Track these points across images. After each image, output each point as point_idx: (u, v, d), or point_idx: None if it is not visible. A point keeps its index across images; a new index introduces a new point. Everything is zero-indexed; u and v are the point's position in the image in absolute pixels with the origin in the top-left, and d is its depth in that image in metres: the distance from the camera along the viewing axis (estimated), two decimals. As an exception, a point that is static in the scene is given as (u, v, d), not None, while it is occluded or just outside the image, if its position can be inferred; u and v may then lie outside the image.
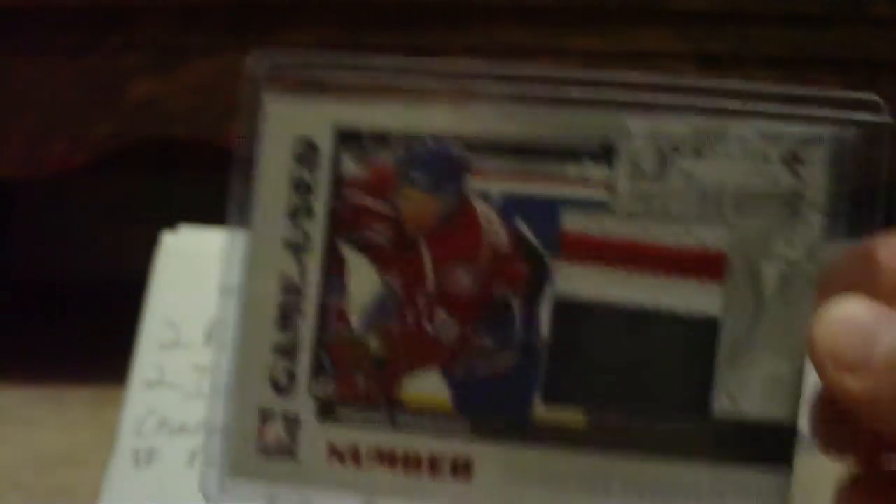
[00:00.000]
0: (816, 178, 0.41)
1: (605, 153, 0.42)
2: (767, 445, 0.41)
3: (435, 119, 0.43)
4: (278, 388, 0.44)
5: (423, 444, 0.43)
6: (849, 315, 0.37)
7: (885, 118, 0.40)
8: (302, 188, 0.43)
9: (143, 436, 0.54)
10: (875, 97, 0.41)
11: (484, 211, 0.43)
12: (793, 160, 0.41)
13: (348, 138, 0.43)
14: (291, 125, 0.43)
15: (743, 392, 0.42)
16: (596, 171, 0.42)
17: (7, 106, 0.71)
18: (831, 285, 0.40)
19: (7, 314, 0.89)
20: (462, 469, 0.43)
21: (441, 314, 0.43)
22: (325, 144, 0.43)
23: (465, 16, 0.65)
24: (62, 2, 0.70)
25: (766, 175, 0.41)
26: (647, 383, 0.42)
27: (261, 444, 0.44)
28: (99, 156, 0.70)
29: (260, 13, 0.69)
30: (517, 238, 0.42)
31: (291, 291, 0.43)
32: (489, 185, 0.42)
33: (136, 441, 0.54)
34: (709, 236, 0.41)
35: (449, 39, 0.64)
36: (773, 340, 0.41)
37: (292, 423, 0.44)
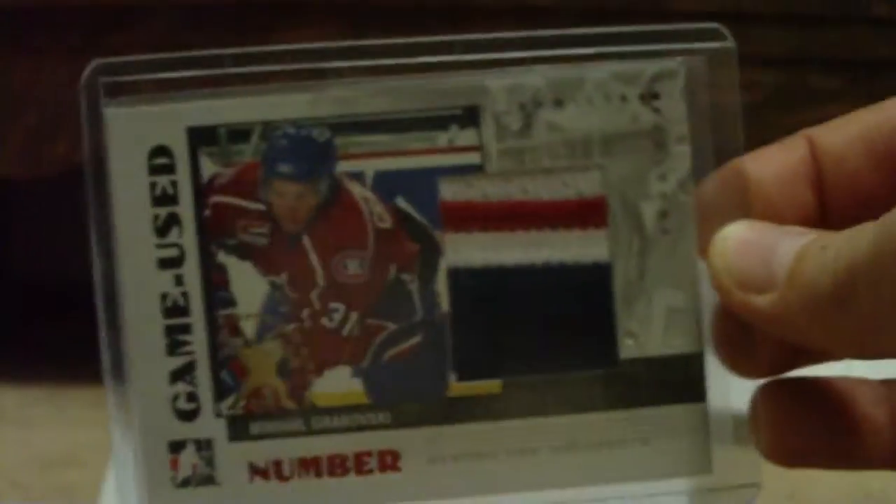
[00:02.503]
0: (675, 110, 0.42)
1: (471, 117, 0.41)
2: (678, 379, 0.42)
3: (293, 105, 0.41)
4: (184, 416, 0.41)
5: (345, 443, 0.41)
6: (741, 238, 0.38)
7: (729, 44, 0.41)
8: (164, 200, 0.41)
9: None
10: (717, 25, 0.42)
11: (361, 193, 0.41)
12: (650, 96, 0.42)
13: (204, 138, 0.41)
14: (140, 135, 0.40)
15: (645, 330, 0.42)
16: (464, 136, 0.41)
17: (7, 106, 0.71)
18: (709, 211, 0.41)
19: (7, 314, 0.87)
20: (389, 461, 0.41)
21: (337, 307, 0.41)
22: (181, 148, 0.40)
23: (466, 16, 0.66)
24: (62, 2, 0.68)
25: (628, 114, 0.42)
26: (552, 340, 0.42)
27: (176, 476, 0.40)
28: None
29: (260, 13, 0.69)
30: (399, 216, 0.41)
31: (175, 312, 0.41)
32: (361, 165, 0.41)
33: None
34: (584, 184, 0.42)
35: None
36: (663, 274, 0.42)
37: (205, 448, 0.41)
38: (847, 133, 0.37)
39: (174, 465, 0.40)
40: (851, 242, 0.32)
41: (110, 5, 0.72)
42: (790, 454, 0.40)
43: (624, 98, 0.42)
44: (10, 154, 0.74)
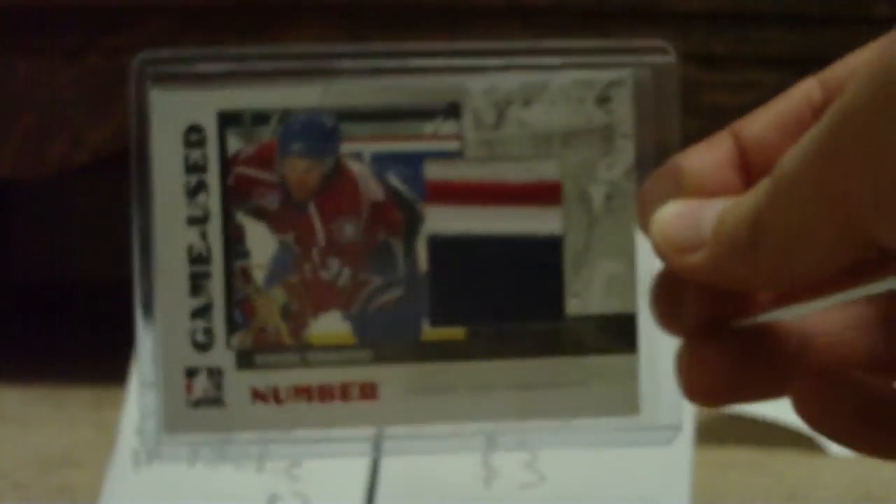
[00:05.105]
0: (623, 112, 0.50)
1: (453, 111, 0.50)
2: (614, 334, 0.51)
3: (306, 96, 0.50)
4: (200, 347, 0.50)
5: (333, 375, 0.50)
6: (675, 212, 0.46)
7: (671, 59, 0.50)
8: (196, 169, 0.50)
9: (143, 435, 0.57)
10: (663, 42, 0.50)
11: (359, 170, 0.50)
12: (603, 100, 0.50)
13: (231, 120, 0.49)
14: (178, 115, 0.49)
15: (588, 292, 0.51)
16: (446, 126, 0.50)
17: (7, 106, 0.72)
18: (648, 197, 0.49)
19: (7, 314, 0.88)
20: (369, 391, 0.50)
21: (333, 263, 0.50)
22: (211, 128, 0.49)
23: (466, 16, 0.68)
24: (62, 2, 0.70)
25: (584, 114, 0.50)
26: (511, 297, 0.50)
27: (190, 398, 0.50)
28: (99, 156, 0.71)
29: (260, 13, 0.71)
30: (390, 190, 0.50)
31: (199, 261, 0.50)
32: (360, 147, 0.50)
33: (137, 441, 0.57)
34: (544, 170, 0.50)
35: (449, 40, 0.65)
36: (607, 247, 0.50)
37: (216, 375, 0.50)
38: (764, 119, 0.43)
39: (189, 388, 0.50)
40: (755, 193, 0.38)
41: (110, 5, 0.72)
42: (708, 394, 0.45)
43: (581, 100, 0.51)
44: (10, 154, 0.74)
